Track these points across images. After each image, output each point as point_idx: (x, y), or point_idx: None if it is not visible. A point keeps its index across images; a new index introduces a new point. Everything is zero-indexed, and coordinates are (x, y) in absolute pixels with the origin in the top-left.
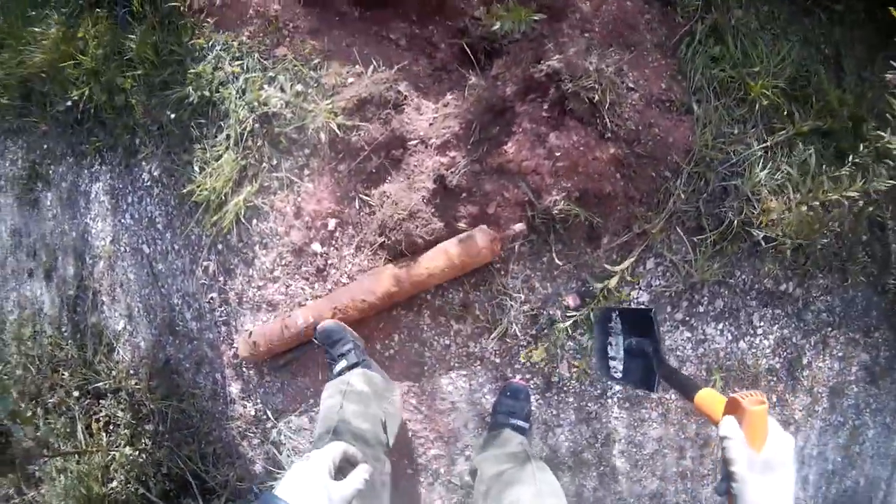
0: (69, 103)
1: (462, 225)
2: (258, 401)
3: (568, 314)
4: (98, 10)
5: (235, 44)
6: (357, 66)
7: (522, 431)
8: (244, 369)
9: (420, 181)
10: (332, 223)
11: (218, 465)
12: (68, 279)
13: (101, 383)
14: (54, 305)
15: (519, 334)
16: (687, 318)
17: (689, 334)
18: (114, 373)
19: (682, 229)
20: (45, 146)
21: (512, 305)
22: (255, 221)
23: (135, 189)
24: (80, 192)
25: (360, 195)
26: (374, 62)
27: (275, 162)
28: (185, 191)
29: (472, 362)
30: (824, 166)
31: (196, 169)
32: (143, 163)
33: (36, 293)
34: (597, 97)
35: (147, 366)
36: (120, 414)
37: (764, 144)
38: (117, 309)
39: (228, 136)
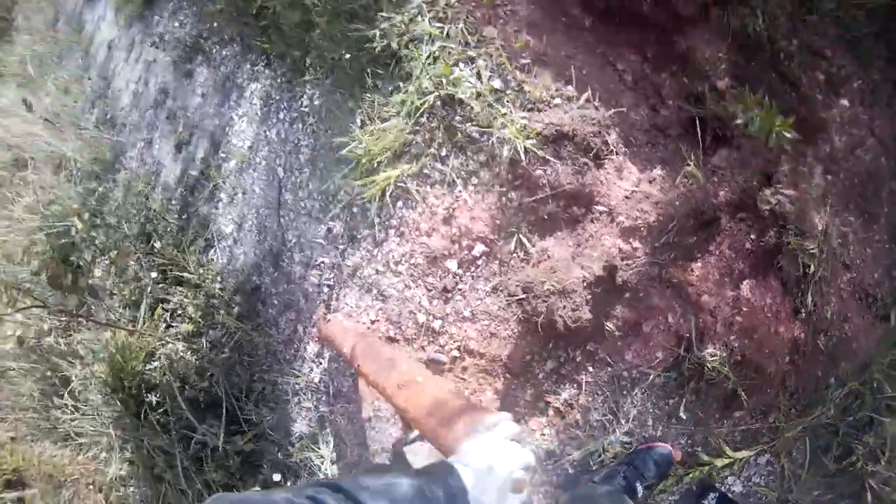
0: None
1: (610, 326)
2: (327, 372)
3: None
4: None
5: (442, 2)
6: (569, 88)
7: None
8: None
9: (588, 258)
10: (479, 248)
11: (259, 405)
12: (196, 160)
13: (185, 273)
14: (174, 177)
15: (606, 459)
16: None
17: None
18: (202, 269)
19: (811, 442)
20: (216, 24)
21: (615, 429)
22: (399, 204)
23: (290, 108)
24: (235, 85)
25: (522, 236)
26: (590, 91)
27: (444, 153)
28: (337, 140)
29: (546, 460)
30: None
31: (357, 121)
32: (307, 87)
33: (161, 156)
34: (812, 268)
35: (237, 280)
36: (190, 310)
37: None
38: (231, 212)
39: (403, 103)
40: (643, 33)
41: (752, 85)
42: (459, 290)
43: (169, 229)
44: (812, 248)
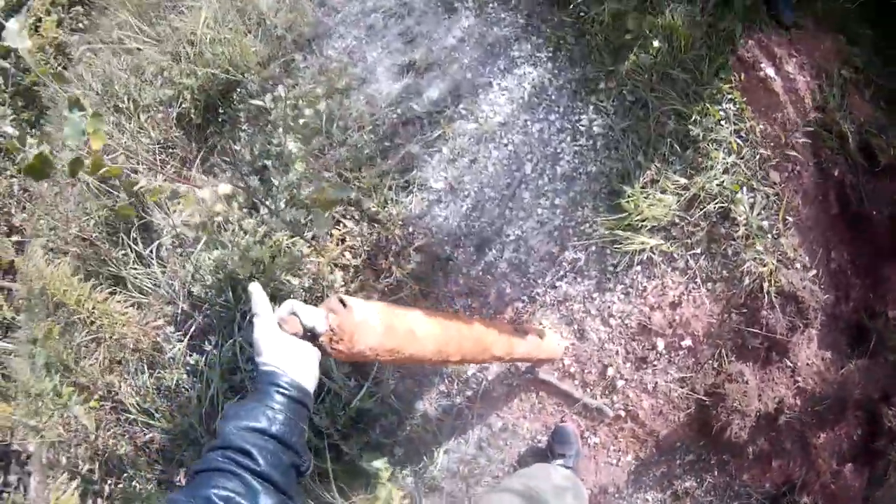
0: None
1: (750, 450)
2: (483, 374)
3: None
4: None
5: (747, 124)
6: (808, 258)
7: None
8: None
9: (767, 397)
10: (687, 342)
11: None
12: (425, 98)
13: (374, 209)
14: (385, 96)
15: None
16: None
17: None
18: (393, 211)
19: None
20: None
21: None
22: (639, 269)
23: (563, 116)
24: (506, 54)
25: (725, 351)
26: (817, 270)
27: (699, 250)
28: (615, 184)
29: None
30: None
31: (640, 178)
32: (591, 109)
33: (377, 68)
34: (892, 475)
35: (426, 239)
36: (357, 242)
37: None
38: (448, 171)
39: (686, 189)
40: (864, 243)
41: None
42: (654, 365)
43: (362, 146)
44: None
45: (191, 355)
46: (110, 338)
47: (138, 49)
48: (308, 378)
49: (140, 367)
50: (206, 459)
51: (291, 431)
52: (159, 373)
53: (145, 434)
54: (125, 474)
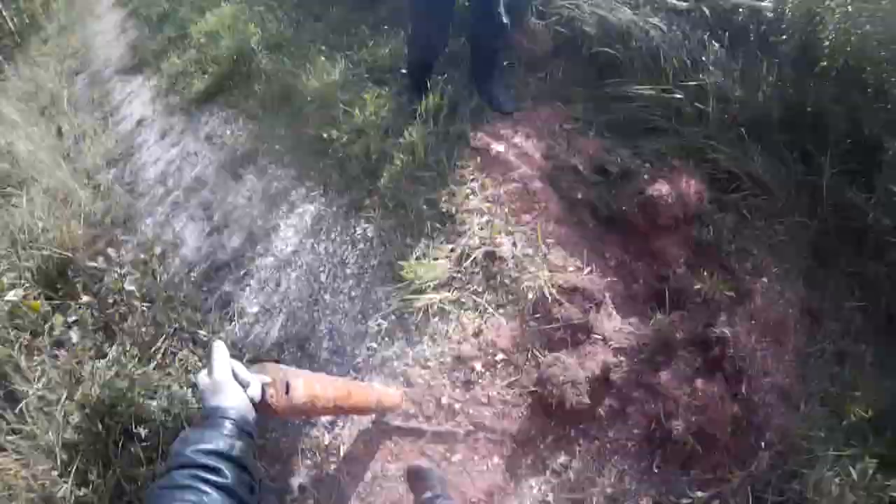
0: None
1: (601, 411)
2: (339, 440)
3: None
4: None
5: (489, 191)
6: (578, 262)
7: None
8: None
9: (590, 365)
10: (500, 356)
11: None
12: (227, 248)
13: (200, 331)
14: (196, 254)
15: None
16: None
17: None
18: (223, 336)
19: (753, 491)
20: (277, 147)
21: (602, 482)
22: (436, 319)
23: (342, 232)
24: (287, 200)
25: (535, 350)
26: (591, 266)
27: (480, 289)
28: (395, 262)
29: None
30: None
31: (414, 255)
32: (362, 220)
33: (185, 234)
34: (744, 367)
35: (255, 352)
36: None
37: (836, 453)
38: (259, 298)
39: (453, 251)
40: (629, 235)
41: (701, 270)
42: (480, 383)
43: (185, 295)
44: (745, 356)
45: (80, 489)
46: (6, 495)
47: None
48: (250, 413)
49: None
50: (169, 478)
51: (247, 457)
52: None
53: None
54: None
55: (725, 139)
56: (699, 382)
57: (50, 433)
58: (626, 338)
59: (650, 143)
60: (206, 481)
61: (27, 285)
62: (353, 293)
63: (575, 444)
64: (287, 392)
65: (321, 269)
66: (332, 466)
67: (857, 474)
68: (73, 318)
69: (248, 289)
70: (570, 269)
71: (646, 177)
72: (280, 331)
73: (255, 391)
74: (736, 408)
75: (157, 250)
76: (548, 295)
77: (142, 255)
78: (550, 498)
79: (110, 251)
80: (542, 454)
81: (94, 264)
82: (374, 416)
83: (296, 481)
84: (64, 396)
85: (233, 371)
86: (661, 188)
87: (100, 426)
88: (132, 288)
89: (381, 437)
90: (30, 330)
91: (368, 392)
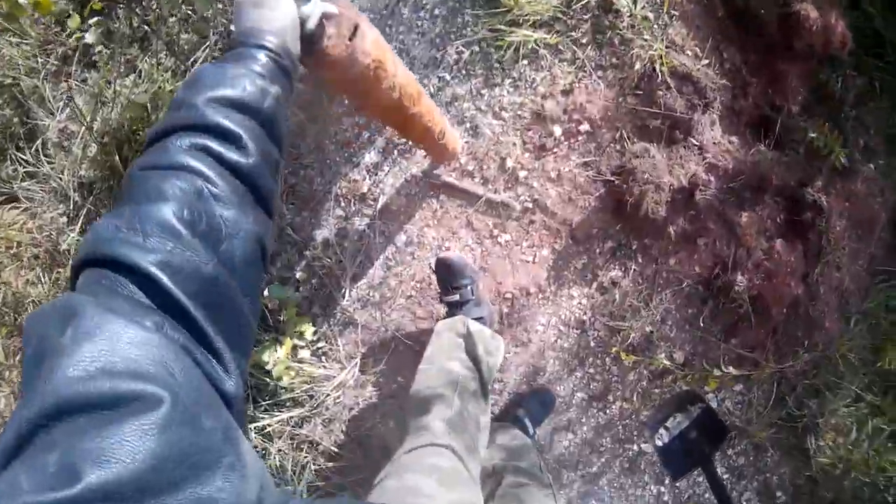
0: None
1: (671, 230)
2: (379, 188)
3: (668, 361)
4: None
5: None
6: (699, 49)
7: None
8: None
9: (679, 172)
10: (584, 126)
11: (286, 200)
12: None
13: None
14: None
15: (632, 339)
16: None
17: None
18: None
19: (777, 389)
20: None
21: (645, 317)
22: (525, 62)
23: None
24: None
25: (625, 133)
26: (716, 56)
27: (584, 41)
28: None
29: (574, 326)
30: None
31: None
32: None
33: None
34: (826, 252)
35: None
36: None
37: (857, 390)
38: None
39: None
40: (755, 42)
41: (816, 118)
42: (554, 153)
43: None
44: (829, 240)
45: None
46: (6, 254)
47: None
48: (295, 46)
49: (41, 272)
50: (162, 152)
51: (280, 114)
52: (58, 272)
53: None
54: None
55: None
56: (778, 243)
57: (65, 173)
58: (722, 155)
59: None
60: (216, 157)
61: None
62: (436, 10)
63: (632, 261)
64: (352, 38)
65: None
66: (365, 221)
67: (872, 429)
68: (95, 18)
69: None
70: (688, 52)
71: None
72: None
73: (311, 18)
74: (802, 289)
75: None
76: (658, 72)
77: None
78: (587, 316)
79: None
80: (595, 261)
81: None
82: (427, 156)
83: (320, 234)
84: (87, 123)
85: None
86: (810, 10)
87: (117, 158)
88: None
89: (426, 193)
90: (61, 53)
91: (437, 110)
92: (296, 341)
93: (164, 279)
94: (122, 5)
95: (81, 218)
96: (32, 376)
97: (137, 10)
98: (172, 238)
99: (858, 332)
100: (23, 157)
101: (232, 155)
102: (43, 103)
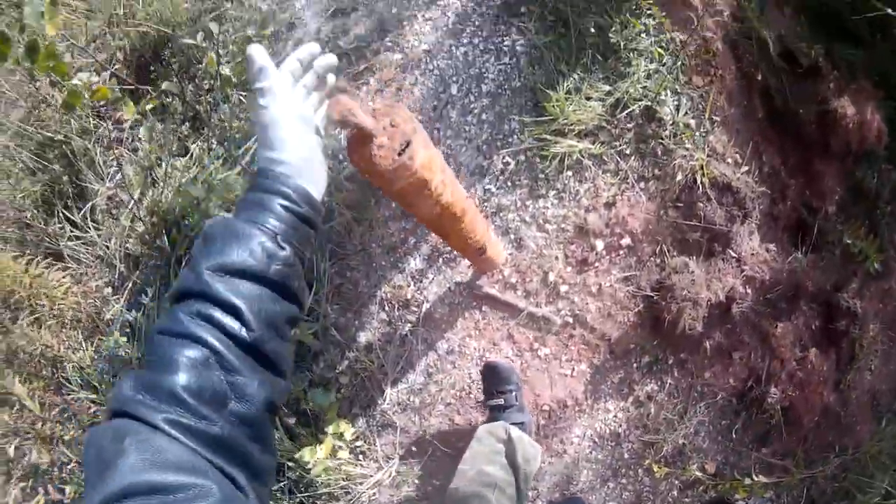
0: None
1: (707, 345)
2: (423, 295)
3: (699, 472)
4: None
5: (667, 35)
6: (739, 155)
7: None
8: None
9: (717, 286)
10: (626, 241)
11: (330, 300)
12: (350, 33)
13: None
14: (316, 37)
15: (664, 451)
16: None
17: None
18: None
19: (805, 493)
20: None
21: (678, 430)
22: (570, 173)
23: (487, 39)
24: None
25: (665, 247)
26: (749, 166)
27: (627, 151)
28: (540, 91)
29: (609, 439)
30: None
31: (564, 87)
32: (514, 30)
33: (305, 13)
34: (860, 355)
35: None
36: None
37: (889, 488)
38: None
39: (610, 94)
40: (794, 144)
41: (851, 219)
42: (596, 267)
43: None
44: (862, 347)
45: (129, 312)
46: (49, 312)
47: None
48: (320, 188)
49: (82, 338)
50: (173, 317)
51: (294, 270)
52: (100, 339)
53: (90, 410)
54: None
55: None
56: (812, 353)
57: (112, 241)
58: (759, 266)
59: (844, 47)
60: (219, 327)
61: (116, 66)
62: (483, 115)
63: (668, 375)
64: (402, 153)
65: (454, 78)
66: (408, 327)
67: None
68: (150, 106)
69: (364, 87)
70: (729, 160)
71: (832, 84)
72: None
73: (329, 125)
74: (833, 397)
75: (269, 30)
76: (699, 184)
77: (250, 32)
78: (622, 429)
79: (212, 26)
80: (632, 375)
81: (193, 42)
82: (470, 268)
83: (364, 336)
84: (136, 198)
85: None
86: (847, 107)
87: (166, 240)
88: (228, 73)
89: (469, 303)
90: (113, 119)
91: (481, 226)
92: (336, 442)
93: (179, 435)
94: (173, 97)
95: (126, 290)
96: (97, 470)
97: (189, 94)
98: (180, 405)
99: (889, 431)
100: (70, 216)
101: (233, 326)
102: (93, 166)
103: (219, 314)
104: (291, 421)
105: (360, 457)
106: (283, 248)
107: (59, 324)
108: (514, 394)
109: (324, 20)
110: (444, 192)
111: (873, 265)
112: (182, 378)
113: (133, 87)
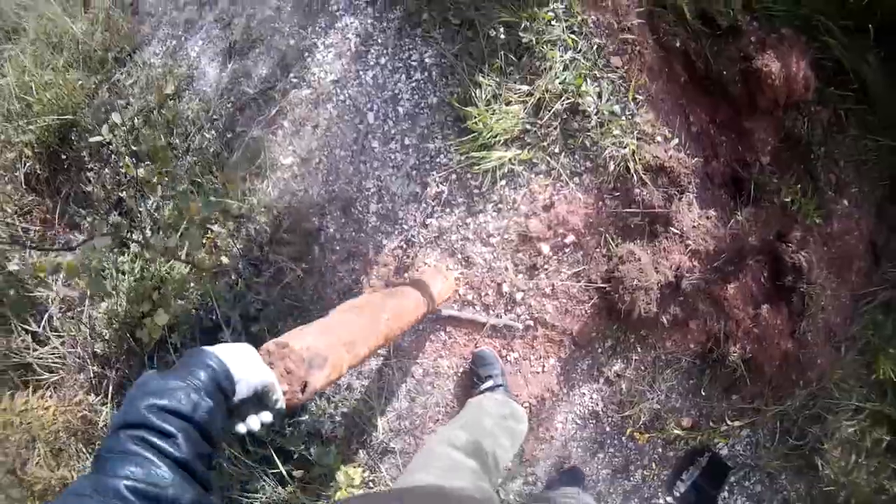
0: None
1: (664, 319)
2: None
3: (678, 428)
4: None
5: (579, 19)
6: (668, 130)
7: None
8: None
9: (664, 266)
10: (570, 238)
11: None
12: (254, 77)
13: (236, 206)
14: (215, 88)
15: (643, 419)
16: (733, 485)
17: (725, 495)
18: (254, 201)
19: (780, 426)
20: None
21: (651, 397)
22: (503, 183)
23: (394, 56)
24: (325, 10)
25: (608, 236)
26: (679, 138)
27: (556, 150)
28: (459, 109)
29: (589, 418)
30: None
31: (480, 96)
32: (419, 41)
33: (201, 62)
34: (810, 306)
35: (292, 218)
36: (227, 242)
37: (857, 404)
38: (295, 144)
39: (530, 95)
40: (720, 103)
41: (786, 168)
42: (545, 269)
43: (208, 147)
44: (816, 292)
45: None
46: (41, 431)
47: None
48: (249, 375)
49: (78, 448)
50: (115, 440)
51: (213, 422)
52: (96, 445)
53: None
54: None
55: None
56: (764, 309)
57: (78, 347)
58: (703, 238)
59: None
60: (157, 450)
61: (29, 164)
62: (406, 140)
63: (632, 352)
64: (303, 392)
65: (368, 105)
66: (381, 360)
67: (871, 442)
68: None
69: (279, 132)
70: (659, 138)
71: (753, 39)
72: (320, 188)
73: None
74: (790, 345)
75: (170, 88)
76: (632, 171)
77: (150, 98)
78: (600, 408)
79: (115, 117)
80: (598, 359)
81: (100, 138)
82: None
83: (342, 380)
84: (87, 305)
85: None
86: (772, 64)
87: (132, 341)
88: (144, 174)
89: (433, 329)
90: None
91: (409, 305)
92: (349, 489)
93: None
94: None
95: (105, 388)
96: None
97: (106, 179)
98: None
99: (850, 358)
100: (29, 327)
101: (168, 448)
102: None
103: (156, 439)
104: (298, 474)
105: (370, 484)
106: (206, 400)
107: (54, 437)
108: (500, 376)
109: (221, 64)
110: (353, 362)
111: (814, 220)
112: (127, 483)
113: (64, 177)
